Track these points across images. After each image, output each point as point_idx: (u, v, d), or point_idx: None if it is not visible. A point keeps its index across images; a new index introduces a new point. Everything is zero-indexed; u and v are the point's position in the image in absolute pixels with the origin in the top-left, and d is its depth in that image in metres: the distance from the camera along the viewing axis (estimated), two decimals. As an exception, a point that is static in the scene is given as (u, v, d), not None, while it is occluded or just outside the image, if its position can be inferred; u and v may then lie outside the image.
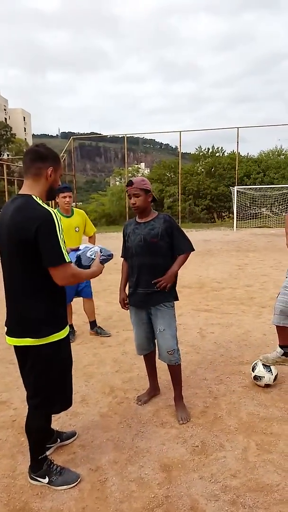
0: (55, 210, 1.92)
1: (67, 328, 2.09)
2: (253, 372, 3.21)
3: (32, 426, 2.14)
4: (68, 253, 2.02)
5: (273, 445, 2.45)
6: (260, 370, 3.17)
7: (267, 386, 3.17)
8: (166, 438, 2.56)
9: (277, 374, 3.19)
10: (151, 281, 2.71)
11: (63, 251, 1.86)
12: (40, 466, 2.18)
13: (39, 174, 1.96)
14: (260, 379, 3.16)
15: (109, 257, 2.31)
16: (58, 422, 2.78)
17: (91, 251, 2.27)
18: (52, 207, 2.00)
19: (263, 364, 3.19)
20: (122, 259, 3.04)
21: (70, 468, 2.27)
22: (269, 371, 3.16)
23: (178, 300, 2.88)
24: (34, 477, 2.18)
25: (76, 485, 2.16)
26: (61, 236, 1.87)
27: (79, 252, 2.30)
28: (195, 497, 2.05)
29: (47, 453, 2.35)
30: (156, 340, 2.88)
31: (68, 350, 2.15)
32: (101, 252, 2.26)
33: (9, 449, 2.48)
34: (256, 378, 3.19)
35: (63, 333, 2.04)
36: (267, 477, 2.18)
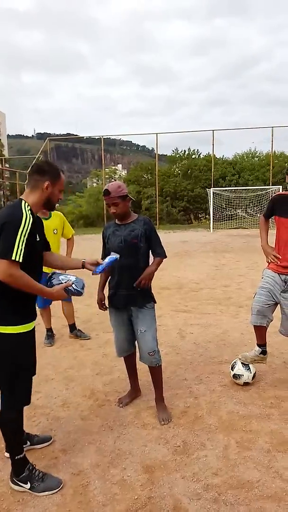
0: (30, 216, 1.97)
1: (26, 326, 2.08)
2: (232, 370, 3.27)
3: (1, 418, 2.14)
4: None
5: (253, 442, 2.51)
6: (239, 369, 3.24)
7: (246, 384, 3.23)
8: (148, 439, 2.57)
9: (255, 372, 3.26)
10: (132, 282, 2.72)
11: (14, 248, 1.89)
12: (21, 470, 2.15)
13: (36, 186, 2.11)
14: (239, 378, 3.23)
15: (77, 292, 2.22)
16: (39, 427, 2.75)
17: (65, 277, 2.24)
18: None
19: (242, 363, 3.26)
20: None
21: (52, 473, 2.25)
22: (247, 370, 3.22)
23: (155, 302, 2.90)
24: (16, 481, 2.15)
25: (58, 491, 2.14)
26: (22, 237, 1.91)
27: (57, 271, 2.31)
28: (178, 497, 2.07)
29: None
30: (136, 342, 2.89)
31: (23, 348, 2.11)
32: (72, 284, 2.20)
33: (-11, 456, 2.43)
34: (235, 376, 3.25)
35: (16, 329, 2.02)
36: (247, 474, 2.22)
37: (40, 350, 4.10)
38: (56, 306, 4.71)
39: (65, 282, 2.20)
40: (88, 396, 3.18)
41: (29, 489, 2.13)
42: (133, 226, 2.78)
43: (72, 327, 4.60)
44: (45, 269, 3.74)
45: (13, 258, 1.88)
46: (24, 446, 2.44)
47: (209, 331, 4.69)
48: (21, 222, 1.93)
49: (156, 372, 2.89)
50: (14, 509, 2.02)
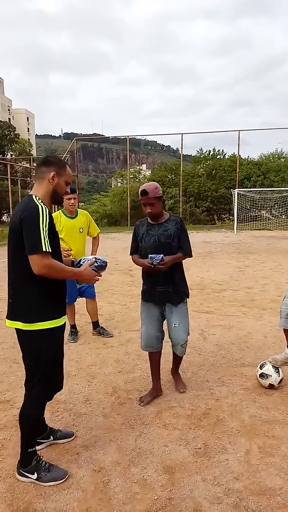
0: (44, 206, 2.01)
1: (59, 320, 2.14)
2: (261, 369, 3.23)
3: (24, 413, 2.19)
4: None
5: (276, 448, 2.45)
6: (268, 369, 3.19)
7: (271, 387, 3.17)
8: (168, 440, 2.56)
9: (282, 378, 3.19)
10: (167, 279, 2.87)
11: (42, 241, 1.93)
12: (29, 461, 2.19)
13: (43, 178, 2.13)
14: (267, 378, 3.17)
15: (103, 263, 2.32)
16: (61, 422, 2.79)
17: (84, 259, 2.35)
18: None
19: (272, 365, 3.21)
20: (131, 256, 3.12)
21: (74, 469, 2.28)
22: (277, 372, 3.18)
23: (188, 297, 3.06)
24: (23, 472, 2.19)
25: (64, 481, 2.17)
26: (44, 228, 1.95)
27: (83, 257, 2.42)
28: (198, 500, 2.05)
29: (38, 448, 2.39)
30: (169, 334, 3.01)
31: (58, 342, 2.20)
32: (95, 261, 2.29)
33: (13, 448, 2.48)
34: (263, 375, 3.19)
35: (51, 323, 2.09)
36: (269, 481, 2.18)
37: (64, 346, 4.16)
38: (80, 303, 4.77)
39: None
40: (110, 394, 3.20)
41: (35, 479, 2.17)
42: (166, 226, 2.89)
43: (96, 324, 4.64)
44: None
45: (43, 250, 1.93)
46: (46, 440, 2.50)
47: (232, 333, 4.63)
48: (38, 214, 1.96)
49: (180, 359, 3.19)
50: (36, 502, 2.05)
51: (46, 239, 1.95)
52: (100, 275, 2.31)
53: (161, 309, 2.98)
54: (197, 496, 2.07)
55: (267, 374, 3.18)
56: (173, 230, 2.86)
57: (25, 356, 2.16)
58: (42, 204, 2.02)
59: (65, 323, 2.24)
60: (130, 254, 3.12)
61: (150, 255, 2.77)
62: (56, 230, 2.17)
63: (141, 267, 2.99)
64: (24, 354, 2.16)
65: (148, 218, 2.96)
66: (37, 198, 2.05)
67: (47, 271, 1.97)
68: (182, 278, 3.02)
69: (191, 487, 2.14)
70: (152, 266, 2.75)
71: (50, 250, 1.96)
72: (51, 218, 2.04)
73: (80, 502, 2.05)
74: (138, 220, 3.12)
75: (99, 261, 2.30)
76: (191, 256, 2.97)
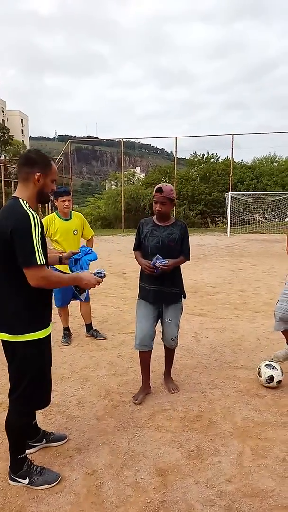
0: (35, 214, 1.94)
1: (47, 330, 2.11)
2: (269, 362, 3.29)
3: (10, 423, 2.15)
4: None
5: (268, 450, 2.47)
6: (276, 364, 3.27)
7: (270, 379, 3.19)
8: (161, 442, 2.56)
9: (282, 380, 3.23)
10: (164, 279, 2.96)
11: (36, 253, 1.87)
12: (20, 467, 2.18)
13: (27, 179, 2.02)
14: (272, 368, 3.22)
15: (102, 275, 2.31)
16: (54, 425, 2.78)
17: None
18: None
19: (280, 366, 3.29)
20: (133, 252, 3.20)
21: (66, 472, 2.27)
22: (281, 371, 3.24)
23: (185, 297, 3.22)
24: (14, 477, 2.18)
25: (56, 485, 2.16)
26: (37, 238, 1.89)
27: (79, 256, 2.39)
28: (191, 502, 2.05)
29: (31, 451, 2.39)
30: (162, 329, 3.16)
31: (46, 351, 2.15)
32: (95, 272, 2.28)
33: (5, 452, 2.46)
34: (269, 365, 3.24)
35: (40, 334, 2.04)
36: (262, 483, 2.19)
37: (57, 348, 4.14)
38: (74, 306, 4.76)
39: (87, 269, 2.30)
40: (103, 396, 3.19)
41: (27, 483, 2.15)
42: (172, 229, 3.00)
43: (89, 327, 4.62)
44: (61, 267, 3.82)
45: (38, 262, 1.87)
46: (39, 444, 2.48)
47: (225, 335, 4.65)
48: (30, 224, 1.88)
49: (171, 351, 3.29)
50: (28, 506, 2.04)
51: (40, 250, 1.88)
52: (101, 281, 2.26)
53: (158, 308, 3.07)
54: (189, 498, 2.08)
55: (273, 366, 3.24)
56: (177, 235, 2.99)
57: (11, 366, 2.09)
58: (32, 211, 1.93)
59: (50, 333, 2.18)
60: (133, 250, 3.18)
61: (157, 256, 2.85)
62: (45, 236, 2.12)
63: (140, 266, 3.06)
64: (9, 364, 2.10)
65: (155, 218, 3.05)
66: (25, 202, 1.96)
67: (45, 282, 1.92)
68: (180, 280, 3.13)
69: (184, 489, 2.14)
70: (153, 268, 2.84)
71: (44, 262, 1.90)
72: (41, 226, 1.98)
73: (73, 506, 2.04)
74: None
75: (98, 273, 2.29)
76: (189, 259, 3.11)
